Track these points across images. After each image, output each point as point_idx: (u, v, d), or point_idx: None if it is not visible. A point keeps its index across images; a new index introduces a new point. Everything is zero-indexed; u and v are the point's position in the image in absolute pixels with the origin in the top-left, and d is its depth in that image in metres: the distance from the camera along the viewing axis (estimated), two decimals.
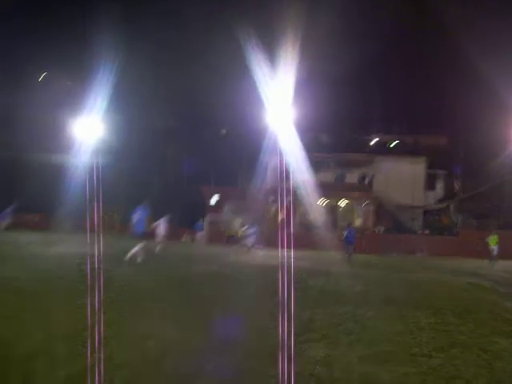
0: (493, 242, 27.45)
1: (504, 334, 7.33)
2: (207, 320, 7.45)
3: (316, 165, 46.21)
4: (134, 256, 16.73)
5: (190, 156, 47.96)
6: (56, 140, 35.05)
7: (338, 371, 5.16)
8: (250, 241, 30.82)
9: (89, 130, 19.88)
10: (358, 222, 48.47)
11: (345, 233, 25.82)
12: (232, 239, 37.51)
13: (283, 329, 6.41)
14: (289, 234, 30.42)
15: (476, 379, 5.13)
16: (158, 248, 22.10)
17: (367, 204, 47.84)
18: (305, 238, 32.19)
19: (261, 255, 25.13)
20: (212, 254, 24.19)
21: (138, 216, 17.72)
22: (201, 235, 34.78)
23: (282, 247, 23.89)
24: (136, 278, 12.20)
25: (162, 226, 24.43)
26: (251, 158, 37.99)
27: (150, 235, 19.46)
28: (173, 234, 37.84)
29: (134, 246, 16.38)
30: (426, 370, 5.35)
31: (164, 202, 45.49)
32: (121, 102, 38.55)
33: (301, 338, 6.48)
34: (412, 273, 19.47)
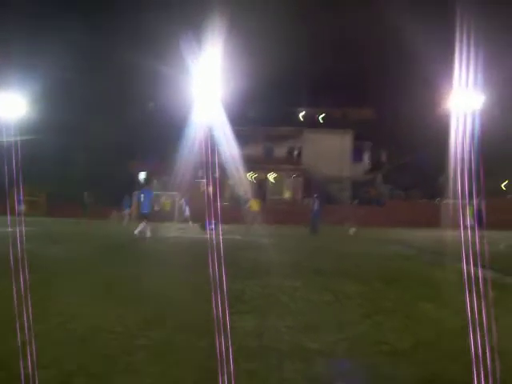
0: (471, 214, 27.36)
1: (427, 299, 7.66)
2: (133, 296, 7.44)
3: (244, 139, 46.37)
4: (143, 232, 19.15)
5: (117, 131, 46.95)
6: None
7: (267, 341, 5.27)
8: (186, 214, 31.14)
9: (6, 106, 19.90)
10: (287, 195, 49.17)
11: (314, 203, 26.16)
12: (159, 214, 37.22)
13: (216, 302, 6.47)
14: (216, 208, 30.61)
15: (400, 342, 5.35)
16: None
17: (296, 176, 48.56)
18: (234, 211, 32.31)
19: (189, 229, 25.20)
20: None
21: (143, 197, 19.75)
22: (128, 212, 34.42)
23: (212, 220, 24.01)
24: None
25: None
26: (179, 132, 37.63)
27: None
28: (100, 213, 37.30)
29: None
30: (353, 337, 5.53)
31: (90, 179, 44.63)
32: (39, 75, 37.26)
33: (232, 309, 6.55)
34: (341, 244, 19.96)
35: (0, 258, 9.98)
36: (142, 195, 20.04)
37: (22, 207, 34.92)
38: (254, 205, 28.99)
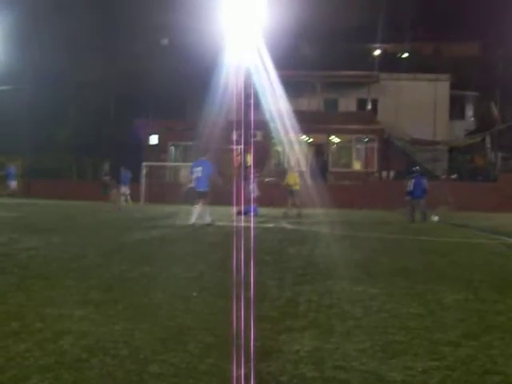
0: None
1: None
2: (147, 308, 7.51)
3: (296, 88, 46.16)
4: (201, 217, 20.12)
5: (119, 78, 47.28)
6: None
7: (330, 371, 5.23)
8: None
9: None
10: (356, 166, 48.87)
11: (411, 182, 26.37)
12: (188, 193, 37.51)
13: (257, 315, 6.45)
14: (258, 185, 30.71)
15: None
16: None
17: (370, 140, 48.16)
18: (281, 190, 32.31)
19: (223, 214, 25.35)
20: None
21: (201, 171, 20.33)
22: (124, 191, 34.77)
23: (252, 203, 24.27)
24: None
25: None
26: (203, 78, 37.62)
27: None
28: (93, 190, 37.80)
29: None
30: (452, 364, 5.45)
31: (85, 143, 45.20)
32: (11, 3, 37.70)
33: (278, 326, 6.53)
34: (434, 235, 19.80)
35: None
36: (199, 168, 20.47)
37: None
38: (292, 179, 28.95)
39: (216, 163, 37.35)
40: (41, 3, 43.07)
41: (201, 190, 20.20)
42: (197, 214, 19.99)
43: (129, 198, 36.29)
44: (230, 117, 37.82)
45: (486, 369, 5.34)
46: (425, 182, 26.76)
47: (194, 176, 20.48)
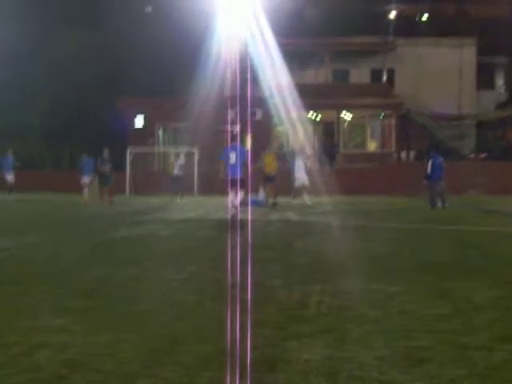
0: None
1: None
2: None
3: (301, 58, 46.09)
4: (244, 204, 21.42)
5: (98, 53, 47.17)
6: None
7: (344, 382, 5.24)
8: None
9: None
10: (372, 146, 48.75)
11: (429, 163, 26.39)
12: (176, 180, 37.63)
13: (259, 320, 6.45)
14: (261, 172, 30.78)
15: None
16: None
17: (386, 117, 48.02)
18: (286, 176, 32.30)
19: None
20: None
21: (234, 158, 20.95)
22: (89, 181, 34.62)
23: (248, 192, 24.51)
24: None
25: None
26: (194, 50, 37.52)
27: None
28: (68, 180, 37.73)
29: None
30: (484, 371, 5.44)
31: (61, 128, 45.13)
32: None
33: (285, 332, 6.54)
34: (461, 223, 19.80)
35: None
36: (232, 154, 21.03)
37: None
38: (270, 161, 28.90)
39: (209, 146, 37.52)
40: None
41: (236, 177, 20.54)
42: (240, 200, 20.62)
43: (89, 189, 35.65)
44: (224, 93, 37.75)
45: None
46: (442, 161, 26.80)
47: (229, 162, 21.01)
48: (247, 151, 22.78)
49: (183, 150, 39.83)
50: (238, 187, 20.42)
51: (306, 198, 29.55)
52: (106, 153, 33.81)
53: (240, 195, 20.70)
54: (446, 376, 5.33)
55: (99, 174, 33.46)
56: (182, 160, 37.43)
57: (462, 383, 5.18)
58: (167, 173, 39.08)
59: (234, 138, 22.46)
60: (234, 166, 20.69)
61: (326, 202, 27.58)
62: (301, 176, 30.13)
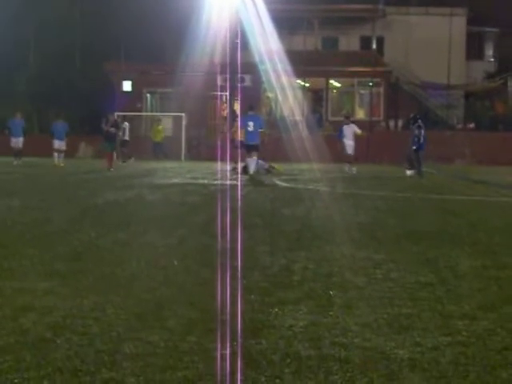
0: None
1: None
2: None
3: (290, 24, 45.83)
4: (260, 169, 24.00)
5: (85, 16, 46.86)
6: None
7: (327, 348, 5.25)
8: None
9: None
10: (360, 114, 48.72)
11: (420, 132, 26.40)
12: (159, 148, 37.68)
13: (245, 287, 6.46)
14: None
15: None
16: None
17: (375, 85, 47.95)
18: (275, 142, 32.32)
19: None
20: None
21: (253, 125, 23.21)
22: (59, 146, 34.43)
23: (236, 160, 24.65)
24: None
25: None
26: (183, 15, 37.28)
27: None
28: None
29: None
30: (467, 339, 5.47)
31: (48, 92, 44.89)
32: None
33: (270, 298, 6.56)
34: (448, 193, 19.87)
35: None
36: (251, 123, 23.03)
37: None
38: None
39: (198, 112, 37.43)
40: None
41: (253, 143, 22.81)
42: (254, 165, 22.72)
43: (62, 155, 35.15)
44: (214, 59, 37.59)
45: (505, 344, 5.36)
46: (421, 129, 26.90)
47: (247, 129, 23.08)
48: (263, 120, 24.89)
49: (170, 114, 39.84)
50: (254, 151, 22.85)
51: (347, 167, 29.77)
52: (112, 117, 33.35)
53: (254, 160, 22.78)
54: (430, 343, 5.36)
55: (105, 136, 32.75)
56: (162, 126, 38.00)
57: (445, 351, 5.21)
58: (150, 138, 39.30)
59: (251, 107, 23.93)
60: (252, 133, 22.68)
61: (314, 168, 27.51)
62: (352, 143, 30.39)
